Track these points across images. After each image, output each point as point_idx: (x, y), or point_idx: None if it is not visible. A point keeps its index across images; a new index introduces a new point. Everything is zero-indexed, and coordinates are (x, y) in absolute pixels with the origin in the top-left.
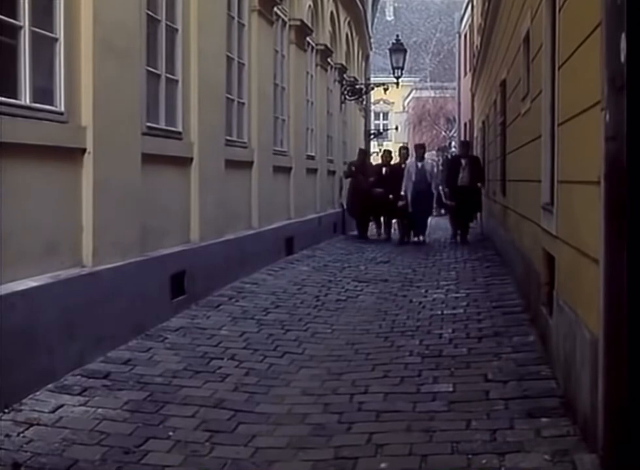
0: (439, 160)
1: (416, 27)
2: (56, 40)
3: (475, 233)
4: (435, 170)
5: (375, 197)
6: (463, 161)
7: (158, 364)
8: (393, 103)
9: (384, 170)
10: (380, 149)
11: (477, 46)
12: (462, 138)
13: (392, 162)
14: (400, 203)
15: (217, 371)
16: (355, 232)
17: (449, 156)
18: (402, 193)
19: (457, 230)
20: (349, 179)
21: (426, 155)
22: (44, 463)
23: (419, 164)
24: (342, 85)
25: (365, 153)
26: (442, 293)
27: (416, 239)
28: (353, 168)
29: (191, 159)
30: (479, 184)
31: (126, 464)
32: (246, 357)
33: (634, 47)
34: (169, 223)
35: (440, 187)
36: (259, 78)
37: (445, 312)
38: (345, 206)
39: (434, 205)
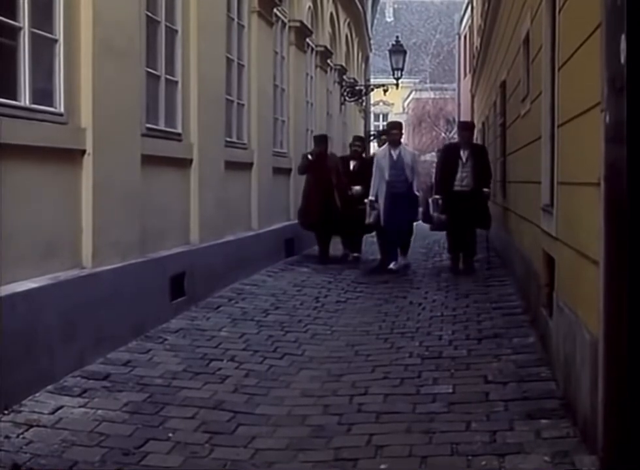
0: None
1: (416, 28)
2: (56, 41)
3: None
4: (416, 162)
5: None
6: (463, 153)
7: (158, 365)
8: (393, 104)
9: (352, 164)
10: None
11: (476, 47)
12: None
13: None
14: (370, 218)
15: (216, 373)
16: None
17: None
18: (371, 198)
19: (458, 259)
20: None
21: (427, 157)
22: (44, 465)
23: (394, 154)
24: (342, 87)
25: (325, 141)
26: (442, 294)
27: (392, 265)
28: (310, 157)
29: (191, 160)
30: (484, 190)
31: (126, 465)
32: (246, 358)
33: (634, 48)
34: (169, 224)
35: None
36: (259, 79)
37: (444, 313)
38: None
39: (419, 215)
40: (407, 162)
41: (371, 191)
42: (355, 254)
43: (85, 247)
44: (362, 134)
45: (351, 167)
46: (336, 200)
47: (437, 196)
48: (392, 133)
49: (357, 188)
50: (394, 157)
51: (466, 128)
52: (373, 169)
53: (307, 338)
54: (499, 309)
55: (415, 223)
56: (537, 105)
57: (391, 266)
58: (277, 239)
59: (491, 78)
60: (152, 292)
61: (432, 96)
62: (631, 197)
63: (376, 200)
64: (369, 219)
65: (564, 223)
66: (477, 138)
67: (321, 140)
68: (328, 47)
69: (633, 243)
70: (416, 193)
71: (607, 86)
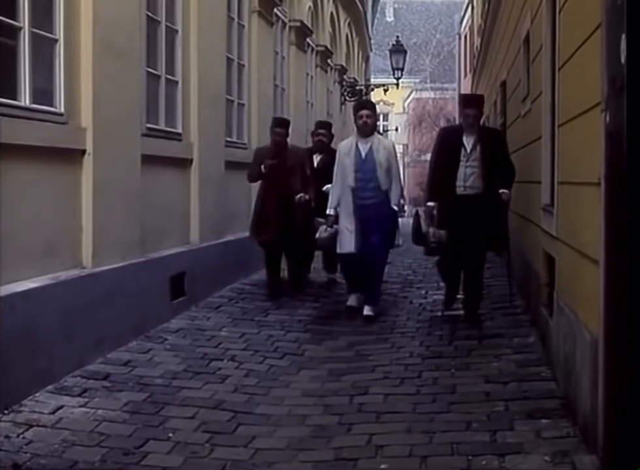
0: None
1: (417, 28)
2: (56, 41)
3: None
4: (394, 161)
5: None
6: (467, 139)
7: (158, 365)
8: (393, 104)
9: (316, 159)
10: None
11: (477, 47)
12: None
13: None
14: (322, 232)
15: (217, 372)
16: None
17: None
18: (329, 212)
19: (455, 295)
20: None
21: (428, 157)
22: (44, 465)
23: (362, 149)
24: (342, 86)
25: (286, 126)
26: (442, 294)
27: (350, 301)
28: (264, 170)
29: (191, 160)
30: (503, 191)
31: (126, 465)
32: (246, 358)
33: (634, 48)
34: (169, 224)
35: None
36: (259, 79)
37: (445, 313)
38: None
39: (398, 239)
40: (380, 160)
41: (330, 201)
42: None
43: (85, 247)
44: None
45: (315, 163)
46: (295, 212)
47: (431, 204)
48: (359, 115)
49: (329, 186)
50: (363, 153)
51: (471, 103)
52: (335, 169)
53: (308, 338)
54: (499, 309)
55: (390, 250)
56: (538, 105)
57: (349, 301)
58: None
59: (491, 78)
60: (152, 292)
61: (432, 96)
62: (631, 197)
63: (337, 216)
64: (321, 235)
65: (564, 223)
66: None
67: (280, 125)
68: (329, 47)
69: (633, 243)
70: (395, 207)
71: (607, 86)
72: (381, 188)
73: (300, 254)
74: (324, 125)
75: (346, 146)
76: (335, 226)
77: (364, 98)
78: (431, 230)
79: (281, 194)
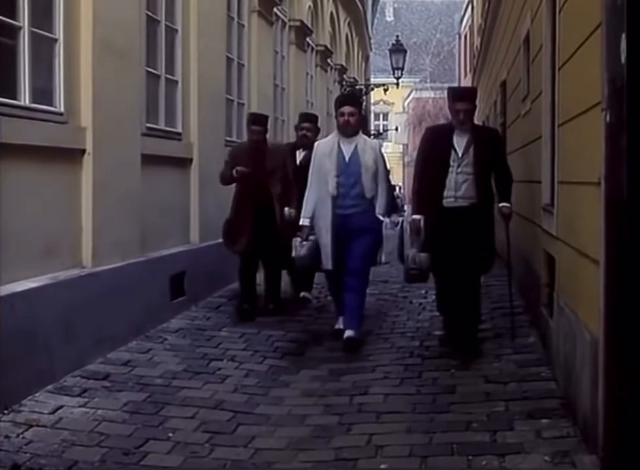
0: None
1: (416, 28)
2: (56, 40)
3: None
4: (381, 164)
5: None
6: (458, 139)
7: (158, 365)
8: (393, 104)
9: (299, 155)
10: None
11: (477, 47)
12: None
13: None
14: (298, 248)
15: (216, 373)
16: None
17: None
18: (303, 222)
19: (456, 325)
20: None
21: None
22: (44, 465)
23: (346, 150)
24: (342, 86)
25: (264, 123)
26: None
27: (339, 324)
28: (235, 174)
29: (191, 160)
30: (504, 205)
31: (125, 465)
32: (246, 358)
33: (634, 48)
34: (169, 224)
35: (399, 214)
36: (259, 78)
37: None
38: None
39: (381, 255)
40: (367, 163)
41: (305, 210)
42: (304, 294)
43: (85, 246)
44: None
45: (298, 160)
46: (276, 218)
47: (417, 217)
48: (340, 112)
49: None
50: (346, 155)
51: (462, 96)
52: (310, 172)
53: (307, 337)
54: (499, 309)
55: (372, 268)
56: (538, 104)
57: (338, 324)
58: None
59: (491, 78)
60: (152, 291)
61: (432, 95)
62: (631, 197)
63: (312, 227)
64: (298, 252)
65: (565, 223)
66: None
67: (257, 122)
68: (328, 46)
69: (633, 243)
70: (381, 218)
71: (608, 86)
72: (365, 195)
73: (279, 267)
74: (310, 118)
75: (325, 146)
76: (311, 238)
77: (347, 90)
78: (410, 253)
79: (258, 199)
